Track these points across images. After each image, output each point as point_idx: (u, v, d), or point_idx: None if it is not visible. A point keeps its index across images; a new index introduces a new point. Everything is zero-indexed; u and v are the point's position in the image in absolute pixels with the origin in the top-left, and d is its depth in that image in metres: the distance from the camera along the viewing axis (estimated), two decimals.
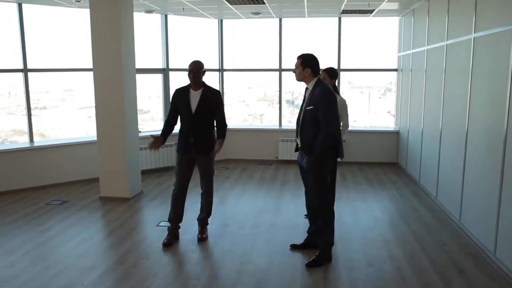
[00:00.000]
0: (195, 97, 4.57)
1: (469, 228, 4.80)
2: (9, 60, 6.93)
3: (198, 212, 4.94)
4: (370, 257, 4.36)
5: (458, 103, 5.16)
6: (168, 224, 4.87)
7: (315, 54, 4.16)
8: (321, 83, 4.11)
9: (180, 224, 4.87)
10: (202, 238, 4.80)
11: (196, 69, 4.53)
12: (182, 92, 4.64)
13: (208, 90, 4.64)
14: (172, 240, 4.72)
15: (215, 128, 4.68)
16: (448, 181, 5.54)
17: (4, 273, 4.04)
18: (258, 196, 6.56)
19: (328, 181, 4.22)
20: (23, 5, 6.81)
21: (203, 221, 4.91)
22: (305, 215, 5.30)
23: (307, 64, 4.10)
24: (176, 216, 4.80)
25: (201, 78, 4.59)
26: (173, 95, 4.71)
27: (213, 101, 4.61)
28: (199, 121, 4.57)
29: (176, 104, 4.65)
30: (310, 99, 4.08)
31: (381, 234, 4.97)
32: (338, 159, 4.37)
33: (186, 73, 4.57)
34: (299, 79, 4.19)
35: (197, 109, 4.54)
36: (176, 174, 4.75)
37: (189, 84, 4.64)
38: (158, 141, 4.61)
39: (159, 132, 4.72)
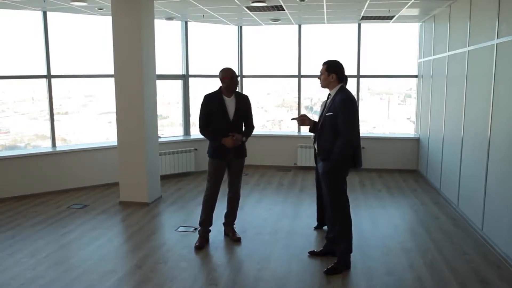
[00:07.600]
0: (230, 104, 4.66)
1: (492, 237, 4.70)
2: (33, 67, 7.09)
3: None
4: (389, 265, 4.30)
5: (480, 110, 5.08)
6: (186, 228, 4.89)
7: (340, 61, 4.14)
8: (343, 90, 4.08)
9: (210, 228, 4.94)
10: (238, 238, 4.94)
11: (236, 76, 4.65)
12: (215, 99, 4.67)
13: (239, 96, 4.77)
14: (203, 243, 4.80)
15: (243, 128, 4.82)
16: (470, 189, 5.44)
17: (26, 275, 4.11)
18: (277, 202, 6.54)
19: (345, 188, 4.18)
20: (48, 13, 6.98)
21: (232, 224, 5.05)
22: (314, 227, 5.34)
23: (332, 70, 4.08)
24: (208, 220, 4.87)
25: (237, 85, 4.72)
26: (204, 101, 4.71)
27: (247, 106, 4.78)
28: (236, 127, 4.69)
29: (210, 110, 4.67)
30: (331, 106, 4.06)
31: (400, 242, 4.90)
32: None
33: (211, 79, 4.65)
34: (324, 85, 4.17)
35: (235, 116, 4.66)
36: (209, 179, 4.80)
37: (219, 90, 4.70)
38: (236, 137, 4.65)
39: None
